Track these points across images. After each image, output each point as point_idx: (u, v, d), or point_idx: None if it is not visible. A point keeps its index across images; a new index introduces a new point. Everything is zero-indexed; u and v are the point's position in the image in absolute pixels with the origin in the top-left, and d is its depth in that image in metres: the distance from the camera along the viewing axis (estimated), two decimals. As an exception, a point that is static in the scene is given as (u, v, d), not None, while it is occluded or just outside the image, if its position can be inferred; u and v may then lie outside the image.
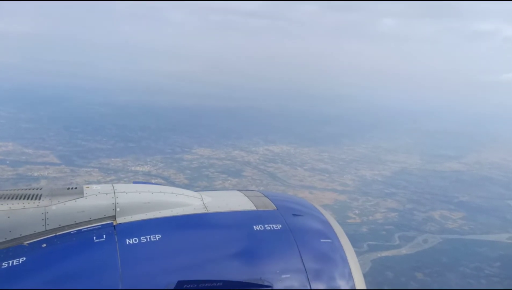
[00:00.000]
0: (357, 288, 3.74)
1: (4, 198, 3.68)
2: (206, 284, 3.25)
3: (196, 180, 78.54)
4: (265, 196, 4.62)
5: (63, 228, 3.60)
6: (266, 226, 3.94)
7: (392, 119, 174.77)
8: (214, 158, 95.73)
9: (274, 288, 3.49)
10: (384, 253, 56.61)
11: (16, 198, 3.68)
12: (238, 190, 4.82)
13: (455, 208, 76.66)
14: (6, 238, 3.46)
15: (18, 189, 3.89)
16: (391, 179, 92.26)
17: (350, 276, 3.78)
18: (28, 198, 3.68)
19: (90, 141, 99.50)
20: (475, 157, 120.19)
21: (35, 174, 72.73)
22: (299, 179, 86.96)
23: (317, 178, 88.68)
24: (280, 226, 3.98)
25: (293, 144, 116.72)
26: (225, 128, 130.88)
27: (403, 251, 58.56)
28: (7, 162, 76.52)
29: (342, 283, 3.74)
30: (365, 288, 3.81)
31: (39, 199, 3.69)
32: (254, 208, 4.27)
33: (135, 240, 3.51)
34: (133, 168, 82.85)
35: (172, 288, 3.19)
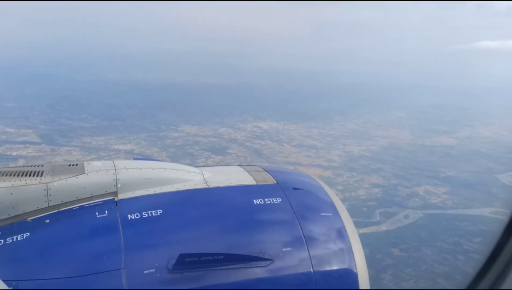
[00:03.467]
0: (356, 262, 3.73)
1: (6, 175, 3.70)
2: (207, 257, 3.25)
3: (179, 158, 77.47)
4: (266, 170, 4.61)
5: (65, 204, 3.63)
6: (266, 200, 3.95)
7: (387, 94, 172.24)
8: (200, 136, 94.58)
9: (274, 262, 3.50)
10: (363, 230, 55.80)
11: (18, 175, 3.70)
12: (238, 165, 4.83)
13: (440, 183, 75.66)
14: (9, 215, 3.49)
15: (20, 167, 3.95)
16: (378, 154, 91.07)
17: (350, 250, 3.77)
18: (30, 175, 3.71)
19: (75, 120, 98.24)
20: (467, 132, 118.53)
21: (14, 153, 71.89)
22: (284, 156, 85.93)
23: (303, 154, 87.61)
24: (280, 200, 3.98)
25: (283, 120, 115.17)
26: (216, 105, 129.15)
27: (383, 227, 57.92)
28: (-14, 141, 75.64)
29: (342, 257, 3.75)
30: (365, 263, 3.79)
31: (41, 176, 3.72)
32: (254, 182, 4.27)
33: (137, 215, 3.52)
34: (115, 146, 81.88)
35: (174, 262, 3.22)
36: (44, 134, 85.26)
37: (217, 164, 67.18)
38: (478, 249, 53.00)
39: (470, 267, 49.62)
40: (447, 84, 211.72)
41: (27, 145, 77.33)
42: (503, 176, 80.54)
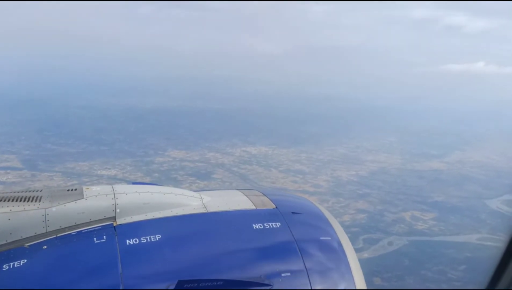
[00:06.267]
0: (357, 287, 3.72)
1: (4, 201, 3.67)
2: (207, 284, 3.24)
3: (162, 184, 76.34)
4: (264, 195, 4.63)
5: (63, 229, 3.58)
6: (265, 224, 3.93)
7: (379, 118, 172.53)
8: (187, 161, 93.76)
9: (274, 287, 3.48)
10: (345, 257, 54.31)
11: (16, 200, 3.68)
12: (237, 189, 4.81)
13: (428, 208, 74.51)
14: (7, 240, 3.45)
15: (19, 192, 3.90)
16: (367, 179, 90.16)
17: (350, 274, 3.77)
18: (28, 200, 3.69)
19: (61, 145, 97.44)
20: (458, 156, 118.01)
21: (-7, 179, 70.81)
22: (271, 181, 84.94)
23: (290, 179, 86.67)
24: (280, 225, 3.96)
25: (273, 145, 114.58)
26: (206, 130, 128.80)
27: (365, 254, 56.46)
28: (-33, 168, 74.62)
29: (342, 281, 3.74)
30: (365, 287, 3.79)
31: (39, 201, 3.70)
32: (253, 207, 4.27)
33: (135, 241, 3.50)
34: (99, 172, 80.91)
35: (173, 288, 3.18)
36: (27, 159, 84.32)
37: (206, 189, 65.64)
38: (461, 277, 51.57)
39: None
40: (435, 107, 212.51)
41: (8, 171, 76.28)
42: (492, 201, 79.42)
